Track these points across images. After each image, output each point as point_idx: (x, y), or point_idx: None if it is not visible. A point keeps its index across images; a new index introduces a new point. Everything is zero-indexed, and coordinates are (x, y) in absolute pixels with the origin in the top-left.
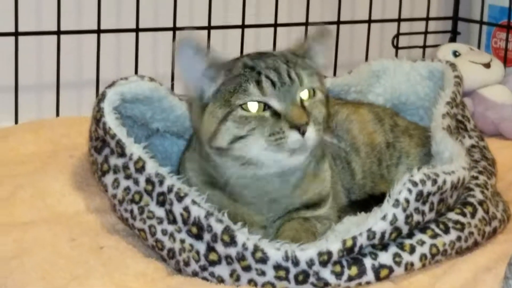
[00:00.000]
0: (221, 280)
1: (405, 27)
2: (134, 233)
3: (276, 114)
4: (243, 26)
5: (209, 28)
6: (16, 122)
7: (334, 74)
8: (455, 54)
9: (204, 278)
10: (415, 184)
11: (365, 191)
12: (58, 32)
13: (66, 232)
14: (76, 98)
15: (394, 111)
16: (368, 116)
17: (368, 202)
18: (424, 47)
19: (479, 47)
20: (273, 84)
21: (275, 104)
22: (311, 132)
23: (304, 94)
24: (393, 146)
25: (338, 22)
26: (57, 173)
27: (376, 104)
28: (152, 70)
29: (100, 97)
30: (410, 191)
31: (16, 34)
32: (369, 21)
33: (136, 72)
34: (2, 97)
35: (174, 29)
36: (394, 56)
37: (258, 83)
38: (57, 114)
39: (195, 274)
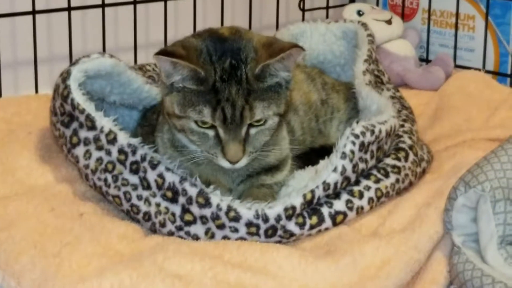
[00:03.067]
0: (196, 238)
1: None
2: (105, 199)
3: (218, 137)
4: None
5: (103, 6)
6: None
7: None
8: (359, 13)
9: (180, 237)
10: (356, 136)
11: (305, 145)
12: None
13: (45, 203)
14: (13, 79)
15: (320, 70)
16: (301, 76)
17: (309, 155)
18: (327, 8)
19: (377, 5)
20: (225, 119)
21: (221, 132)
22: (242, 162)
23: (254, 122)
24: (326, 102)
25: None
26: (20, 149)
27: (303, 64)
28: (83, 46)
29: (65, 75)
30: (353, 143)
31: None
32: None
33: (70, 49)
34: None
35: (103, 6)
36: (300, 18)
37: (214, 110)
38: (0, 95)
39: (171, 234)
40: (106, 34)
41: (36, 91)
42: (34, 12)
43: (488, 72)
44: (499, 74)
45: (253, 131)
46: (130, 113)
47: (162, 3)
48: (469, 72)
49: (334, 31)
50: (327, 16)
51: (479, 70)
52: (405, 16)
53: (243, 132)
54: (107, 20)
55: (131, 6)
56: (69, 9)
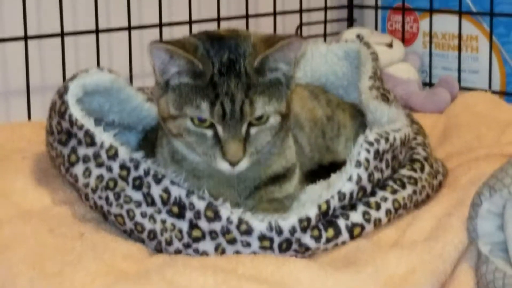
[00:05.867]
0: (206, 255)
1: (305, 17)
2: (106, 220)
3: (217, 136)
4: (160, 25)
5: (129, 28)
6: None
7: None
8: (359, 37)
9: (188, 255)
10: (371, 144)
11: (314, 163)
12: None
13: (43, 224)
14: (5, 108)
15: (323, 88)
16: (305, 93)
17: (318, 172)
18: (325, 35)
19: (376, 30)
20: (224, 114)
21: (219, 130)
22: (243, 164)
23: (254, 119)
24: (332, 119)
25: (247, 16)
26: (15, 174)
27: (305, 83)
28: None
29: (63, 91)
30: (368, 151)
31: None
32: (274, 14)
33: (63, 76)
34: None
35: (97, 31)
36: None
37: (212, 105)
38: None
39: (178, 252)
40: (100, 61)
41: (29, 119)
42: (26, 38)
43: (494, 92)
44: (506, 94)
45: (253, 130)
46: (128, 138)
47: (157, 30)
48: (476, 93)
49: (335, 51)
50: None
51: (485, 91)
52: (405, 41)
53: (243, 129)
54: (101, 46)
55: (126, 33)
56: (62, 34)
